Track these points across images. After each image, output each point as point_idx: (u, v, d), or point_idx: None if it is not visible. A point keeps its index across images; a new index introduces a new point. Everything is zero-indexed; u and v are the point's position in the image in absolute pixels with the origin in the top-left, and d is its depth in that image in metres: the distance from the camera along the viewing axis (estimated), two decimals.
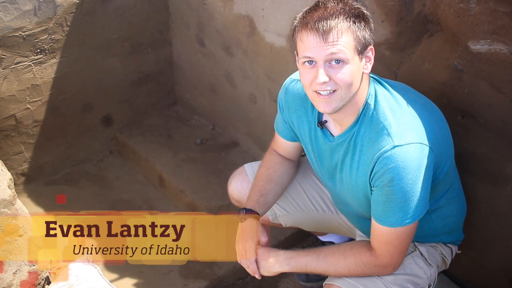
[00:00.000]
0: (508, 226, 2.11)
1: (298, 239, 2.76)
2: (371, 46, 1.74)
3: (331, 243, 2.56)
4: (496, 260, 2.22)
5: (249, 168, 2.28)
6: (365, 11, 1.73)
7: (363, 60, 1.71)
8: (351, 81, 1.68)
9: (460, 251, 2.11)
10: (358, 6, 1.72)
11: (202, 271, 2.59)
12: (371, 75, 1.82)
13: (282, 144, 2.13)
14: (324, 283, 1.93)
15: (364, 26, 1.69)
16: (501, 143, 2.00)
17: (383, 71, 2.19)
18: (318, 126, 1.89)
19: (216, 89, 3.15)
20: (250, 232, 1.98)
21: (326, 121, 1.88)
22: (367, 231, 1.90)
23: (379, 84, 1.81)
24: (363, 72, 1.73)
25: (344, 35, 1.65)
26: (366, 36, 1.70)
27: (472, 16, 1.87)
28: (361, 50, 1.69)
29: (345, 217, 2.17)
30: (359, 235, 2.12)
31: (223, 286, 2.61)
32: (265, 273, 1.98)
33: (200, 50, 3.10)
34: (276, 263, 1.94)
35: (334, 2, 1.69)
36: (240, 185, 2.26)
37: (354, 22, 1.67)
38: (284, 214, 2.26)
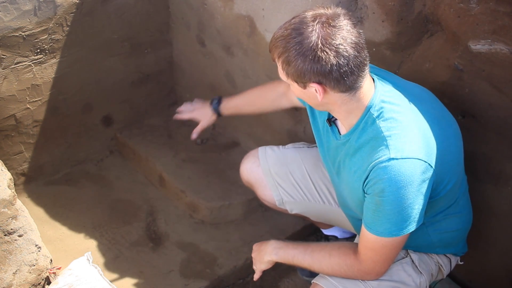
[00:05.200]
0: (510, 226, 2.11)
1: (301, 239, 2.76)
2: (312, 84, 1.63)
3: (335, 237, 2.57)
4: (497, 260, 2.22)
5: (262, 152, 2.34)
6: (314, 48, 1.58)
7: (308, 88, 1.67)
8: (301, 96, 1.74)
9: (462, 262, 2.09)
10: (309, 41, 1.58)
11: (203, 271, 2.59)
12: (381, 80, 1.76)
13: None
14: (312, 281, 1.95)
15: (302, 61, 1.59)
16: (502, 143, 2.00)
17: None
18: (326, 122, 1.91)
19: (217, 89, 3.14)
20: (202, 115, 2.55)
21: (336, 119, 1.88)
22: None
23: (385, 92, 1.73)
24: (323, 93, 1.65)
25: (277, 62, 1.67)
26: (301, 72, 1.61)
27: (472, 16, 1.87)
28: (297, 81, 1.66)
29: None
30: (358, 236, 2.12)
31: (224, 286, 2.60)
32: (263, 266, 2.07)
33: (200, 50, 3.10)
34: (266, 253, 2.03)
35: (287, 30, 1.62)
36: (250, 167, 2.34)
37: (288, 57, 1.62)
38: (290, 201, 2.30)
